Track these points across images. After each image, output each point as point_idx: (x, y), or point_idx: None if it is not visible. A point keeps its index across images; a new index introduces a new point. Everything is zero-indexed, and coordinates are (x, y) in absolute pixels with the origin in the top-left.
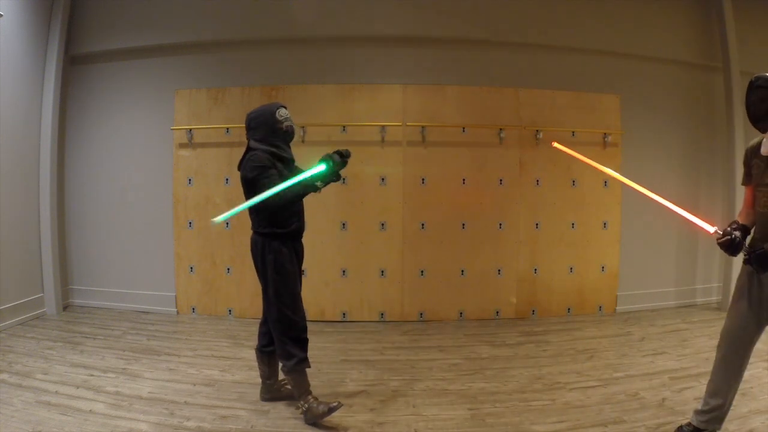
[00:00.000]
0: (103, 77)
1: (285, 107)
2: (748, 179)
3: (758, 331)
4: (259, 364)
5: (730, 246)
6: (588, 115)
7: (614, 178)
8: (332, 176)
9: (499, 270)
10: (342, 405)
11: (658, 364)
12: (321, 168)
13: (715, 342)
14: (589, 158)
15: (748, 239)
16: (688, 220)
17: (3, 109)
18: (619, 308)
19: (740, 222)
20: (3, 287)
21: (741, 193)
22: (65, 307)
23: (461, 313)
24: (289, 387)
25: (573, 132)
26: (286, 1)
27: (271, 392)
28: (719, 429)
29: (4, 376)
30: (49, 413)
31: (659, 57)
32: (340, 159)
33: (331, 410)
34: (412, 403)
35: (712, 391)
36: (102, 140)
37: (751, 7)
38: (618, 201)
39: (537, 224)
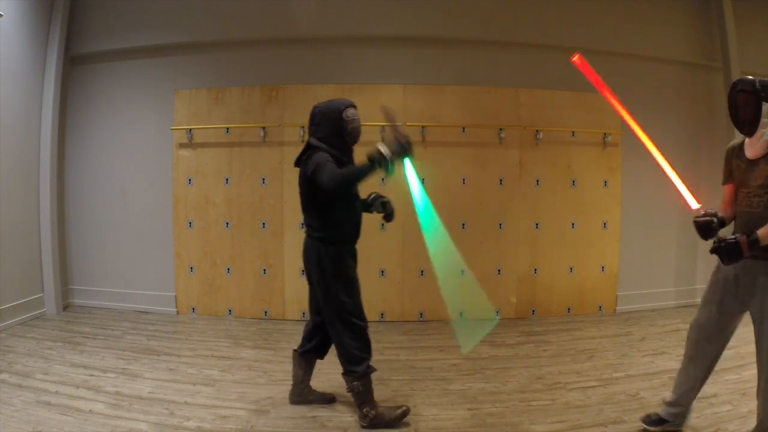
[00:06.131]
0: (103, 77)
1: (354, 107)
2: (728, 178)
3: (729, 326)
4: (294, 367)
5: (705, 228)
6: (588, 115)
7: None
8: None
9: (499, 270)
10: (409, 410)
11: (658, 364)
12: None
13: None
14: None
15: (722, 232)
16: (677, 188)
17: (3, 109)
18: (619, 308)
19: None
20: (3, 287)
21: None
22: (65, 307)
23: (461, 314)
24: (316, 393)
25: (573, 132)
26: (286, 1)
27: (302, 396)
28: (685, 422)
29: (4, 376)
30: (49, 413)
31: (659, 57)
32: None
33: (404, 414)
34: (412, 403)
35: (680, 384)
36: (102, 140)
37: (751, 7)
38: (618, 201)
39: (537, 224)
